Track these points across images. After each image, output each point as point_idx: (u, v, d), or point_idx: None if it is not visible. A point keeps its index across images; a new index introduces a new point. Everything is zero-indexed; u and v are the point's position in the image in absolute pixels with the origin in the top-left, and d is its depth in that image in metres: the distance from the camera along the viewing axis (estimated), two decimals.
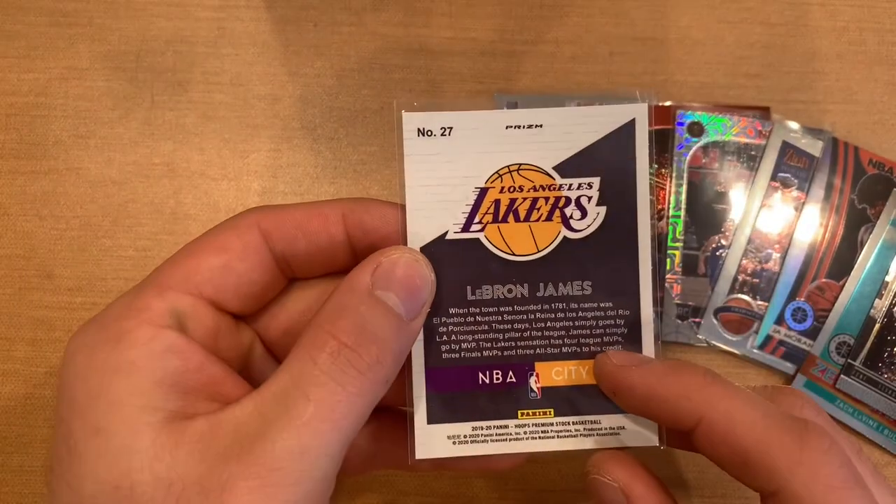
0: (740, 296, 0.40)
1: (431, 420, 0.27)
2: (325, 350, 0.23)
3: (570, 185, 0.27)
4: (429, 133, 0.26)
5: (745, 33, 0.43)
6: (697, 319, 0.40)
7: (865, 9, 0.43)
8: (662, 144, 0.41)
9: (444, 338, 0.27)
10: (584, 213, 0.27)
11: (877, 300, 0.40)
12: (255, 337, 0.28)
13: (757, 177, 0.41)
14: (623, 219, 0.27)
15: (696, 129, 0.41)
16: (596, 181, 0.27)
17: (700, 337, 0.40)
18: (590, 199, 0.27)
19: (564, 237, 0.27)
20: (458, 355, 0.27)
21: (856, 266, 0.40)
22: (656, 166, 0.41)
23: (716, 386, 0.24)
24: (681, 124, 0.41)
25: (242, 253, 0.26)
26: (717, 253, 0.40)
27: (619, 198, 0.27)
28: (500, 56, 0.43)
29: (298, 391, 0.22)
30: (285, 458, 0.21)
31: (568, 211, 0.27)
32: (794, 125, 0.41)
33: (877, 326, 0.39)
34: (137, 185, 0.41)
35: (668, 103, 0.42)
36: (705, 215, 0.40)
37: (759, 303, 0.40)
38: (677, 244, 0.40)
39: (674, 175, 0.41)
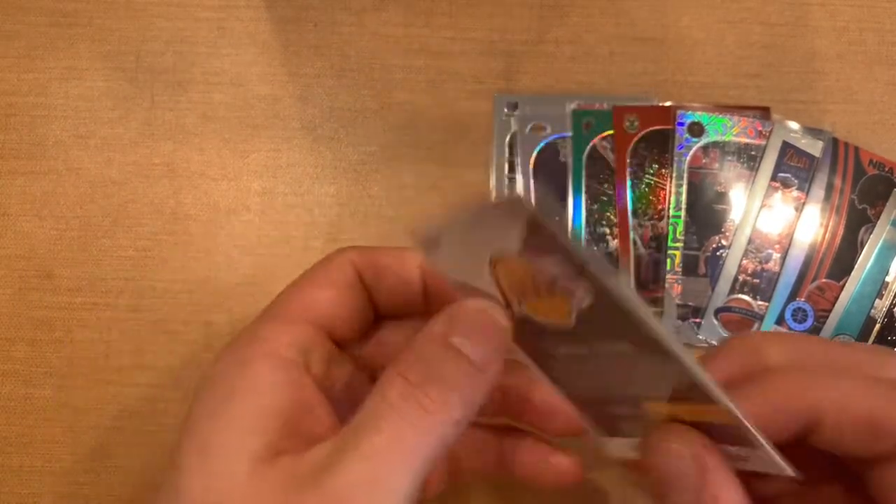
0: (741, 296, 0.40)
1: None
2: (394, 388, 0.24)
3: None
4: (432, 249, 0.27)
5: (745, 33, 0.43)
6: (698, 320, 0.40)
7: (865, 9, 0.43)
8: (662, 145, 0.41)
9: (554, 378, 0.27)
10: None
11: (877, 300, 0.40)
12: (356, 367, 0.29)
13: (757, 177, 0.41)
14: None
15: (697, 130, 0.41)
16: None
17: (700, 337, 0.40)
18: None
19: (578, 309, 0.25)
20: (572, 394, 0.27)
21: (856, 266, 0.40)
22: (656, 166, 0.41)
23: (817, 377, 0.24)
24: (681, 124, 0.41)
25: (347, 288, 0.28)
26: (718, 253, 0.40)
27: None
28: (499, 56, 0.43)
29: (370, 424, 0.23)
30: (355, 487, 0.22)
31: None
32: (794, 125, 0.41)
33: (877, 327, 0.39)
34: (137, 186, 0.41)
35: (668, 103, 0.42)
36: (705, 215, 0.40)
37: (760, 303, 0.40)
38: (677, 244, 0.40)
39: (674, 175, 0.41)
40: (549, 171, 0.41)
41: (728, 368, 0.26)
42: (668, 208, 0.40)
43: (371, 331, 0.30)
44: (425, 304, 0.29)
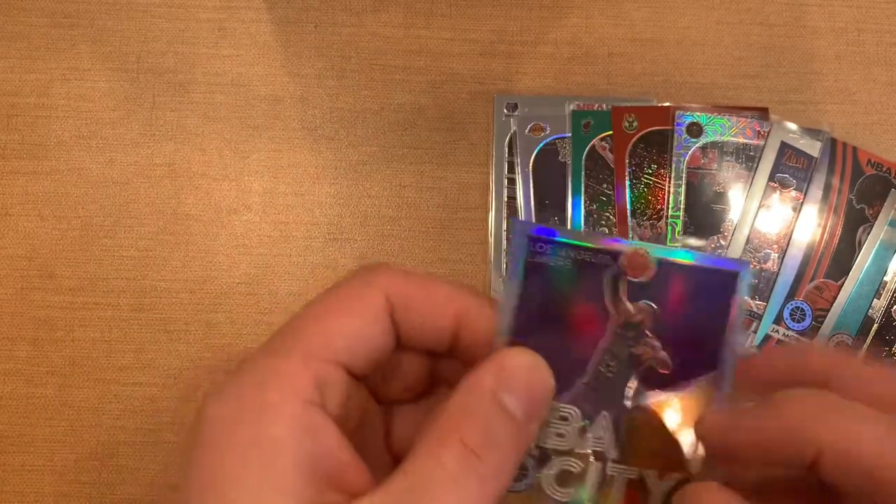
0: None
1: None
2: (451, 452, 0.23)
3: None
4: None
5: (743, 34, 0.43)
6: None
7: (863, 10, 0.43)
8: (662, 145, 0.41)
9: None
10: None
11: (875, 300, 0.40)
12: (369, 396, 0.28)
13: (755, 177, 0.41)
14: None
15: (695, 130, 0.41)
16: None
17: None
18: None
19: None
20: None
21: (854, 266, 0.40)
22: (655, 167, 0.41)
23: (827, 409, 0.23)
24: (680, 125, 0.41)
25: (374, 318, 0.26)
26: (716, 253, 0.40)
27: None
28: (499, 57, 0.43)
29: (426, 495, 0.22)
30: None
31: None
32: (792, 126, 0.41)
33: (875, 326, 0.39)
34: (139, 186, 0.41)
35: (666, 104, 0.42)
36: (704, 215, 0.41)
37: (758, 302, 0.40)
38: (676, 244, 0.40)
39: (673, 175, 0.41)
40: (549, 172, 0.41)
41: (769, 373, 0.25)
42: (667, 208, 0.41)
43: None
44: (451, 344, 0.27)
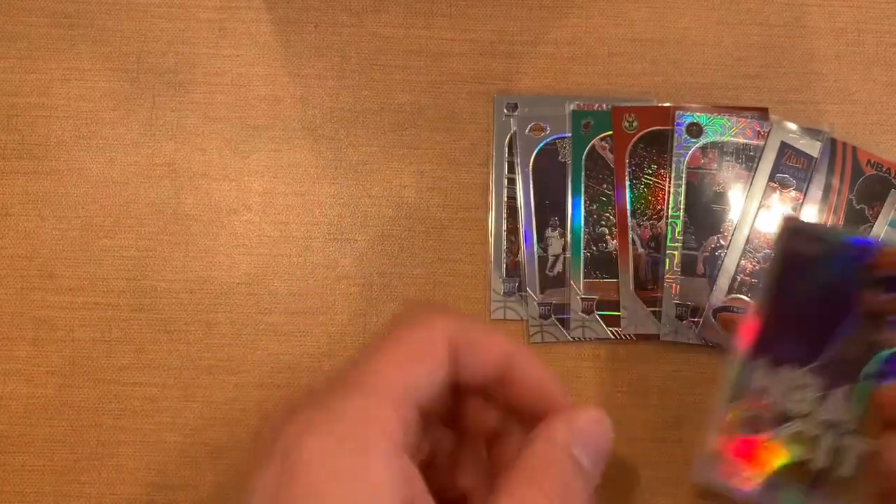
0: (739, 296, 0.40)
1: None
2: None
3: None
4: None
5: (743, 34, 0.43)
6: (696, 319, 0.40)
7: (863, 10, 0.44)
8: (662, 145, 0.41)
9: None
10: None
11: None
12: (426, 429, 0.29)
13: (755, 177, 0.41)
14: None
15: (695, 130, 0.41)
16: None
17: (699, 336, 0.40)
18: None
19: None
20: None
21: None
22: (655, 167, 0.41)
23: None
24: (680, 125, 0.41)
25: (443, 363, 0.27)
26: (716, 253, 0.40)
27: None
28: (499, 57, 0.43)
29: None
30: None
31: None
32: (792, 126, 0.41)
33: None
34: (139, 186, 0.41)
35: (666, 104, 0.42)
36: (704, 216, 0.41)
37: None
38: (676, 244, 0.40)
39: (673, 175, 0.41)
40: (549, 172, 0.41)
41: None
42: (667, 208, 0.41)
43: None
44: (497, 382, 0.29)
